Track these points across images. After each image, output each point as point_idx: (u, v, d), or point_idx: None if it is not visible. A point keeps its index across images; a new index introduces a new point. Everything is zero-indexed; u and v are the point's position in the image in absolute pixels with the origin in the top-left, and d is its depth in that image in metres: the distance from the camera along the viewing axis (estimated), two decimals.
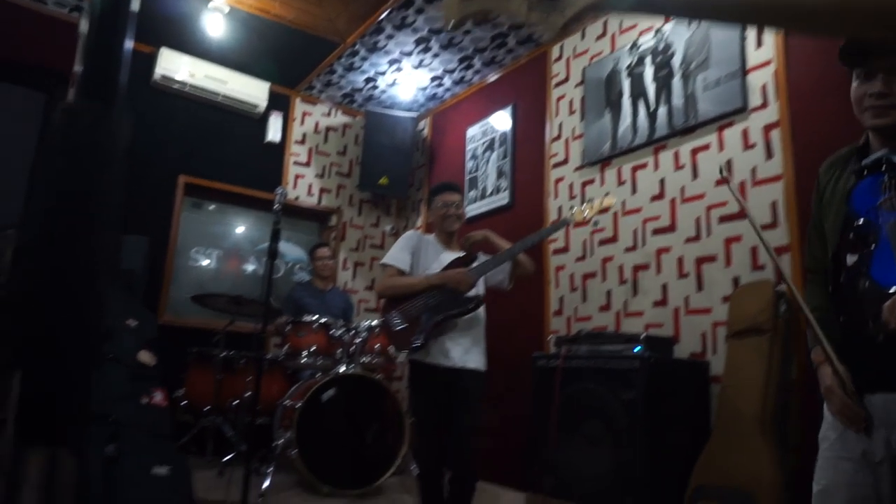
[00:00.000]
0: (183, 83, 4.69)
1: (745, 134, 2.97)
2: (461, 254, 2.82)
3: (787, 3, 0.71)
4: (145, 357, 3.23)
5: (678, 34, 3.38)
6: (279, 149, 5.24)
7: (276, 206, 2.90)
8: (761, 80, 2.95)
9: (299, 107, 5.41)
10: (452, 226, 2.85)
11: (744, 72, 3.02)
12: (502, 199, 4.43)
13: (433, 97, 5.25)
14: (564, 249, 3.83)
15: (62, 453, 0.52)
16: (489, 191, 4.57)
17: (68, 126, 0.57)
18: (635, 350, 2.67)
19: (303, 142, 5.40)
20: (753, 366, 2.44)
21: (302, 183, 5.34)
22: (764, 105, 2.92)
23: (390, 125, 5.22)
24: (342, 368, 3.58)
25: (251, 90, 4.96)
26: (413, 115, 5.32)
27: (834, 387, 1.31)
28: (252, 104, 4.97)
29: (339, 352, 3.75)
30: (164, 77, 4.63)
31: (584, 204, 2.84)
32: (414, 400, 2.80)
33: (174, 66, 4.66)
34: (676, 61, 3.36)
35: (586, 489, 2.66)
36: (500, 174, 4.51)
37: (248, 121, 5.08)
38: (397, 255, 2.79)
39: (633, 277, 3.37)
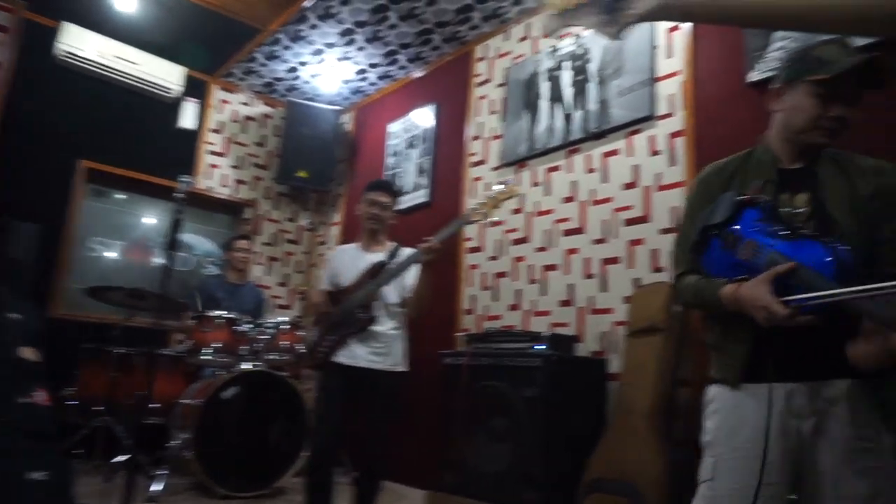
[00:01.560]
0: (89, 61, 4.40)
1: (651, 141, 3.06)
2: (382, 256, 2.76)
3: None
4: (28, 353, 2.99)
5: (595, 41, 3.45)
6: (193, 137, 5.01)
7: (177, 195, 2.73)
8: (669, 89, 3.05)
9: (217, 94, 5.20)
10: (371, 225, 2.79)
11: (653, 81, 3.11)
12: (422, 196, 4.39)
13: (357, 91, 5.17)
14: (478, 249, 3.84)
15: None
16: (409, 188, 4.53)
17: None
18: (538, 348, 2.69)
19: (219, 130, 5.19)
20: (648, 363, 2.50)
21: (216, 173, 5.13)
22: (670, 114, 3.01)
23: (312, 117, 5.09)
24: (246, 366, 3.44)
25: (165, 74, 4.72)
26: (336, 108, 5.21)
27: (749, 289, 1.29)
28: (165, 88, 4.73)
29: (245, 349, 3.60)
30: (68, 53, 4.34)
31: (481, 199, 2.60)
32: (318, 397, 2.72)
33: (80, 42, 4.37)
34: (593, 67, 3.43)
35: (487, 485, 2.66)
36: (420, 171, 4.48)
37: (160, 106, 4.83)
38: (323, 275, 2.89)
39: (543, 277, 3.41)
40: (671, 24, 3.11)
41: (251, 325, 3.66)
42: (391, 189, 2.87)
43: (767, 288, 1.23)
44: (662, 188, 2.96)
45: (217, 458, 3.17)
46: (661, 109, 3.05)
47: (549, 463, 2.51)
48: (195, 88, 4.98)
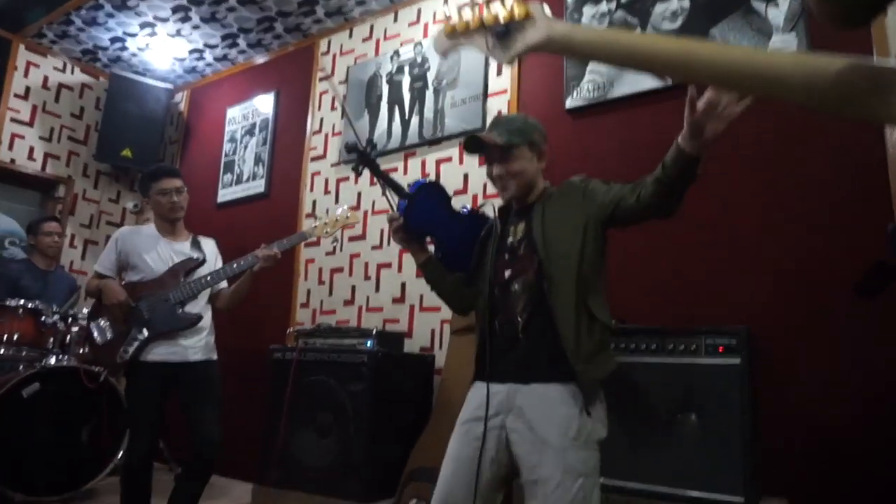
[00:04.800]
0: None
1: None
2: (187, 244, 2.69)
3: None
4: None
5: (433, 51, 3.61)
6: None
7: None
8: (498, 105, 3.30)
9: (23, 55, 4.63)
10: (176, 215, 2.68)
11: (485, 96, 3.35)
12: (258, 186, 4.30)
13: (192, 70, 4.90)
14: (315, 243, 3.87)
15: None
16: (245, 177, 4.41)
17: None
18: (367, 344, 2.81)
19: (25, 97, 4.63)
20: (466, 360, 2.73)
21: (21, 144, 4.58)
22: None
23: (140, 93, 4.73)
24: (52, 360, 3.17)
25: None
26: (168, 86, 4.89)
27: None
28: None
29: (52, 341, 3.31)
30: None
31: (326, 217, 2.72)
32: (128, 394, 2.61)
33: None
34: (430, 76, 3.60)
35: (313, 478, 2.73)
36: (257, 160, 4.38)
37: None
38: (103, 258, 2.66)
39: (377, 274, 3.54)
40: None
41: (57, 316, 3.36)
42: (178, 172, 2.76)
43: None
44: (488, 196, 3.21)
45: (12, 461, 2.90)
46: None
47: (373, 455, 2.64)
48: None
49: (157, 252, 2.62)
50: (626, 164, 2.83)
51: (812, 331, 2.26)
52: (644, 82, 2.81)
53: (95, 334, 2.56)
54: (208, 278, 2.58)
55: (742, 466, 1.87)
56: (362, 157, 1.78)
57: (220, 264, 2.75)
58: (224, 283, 2.76)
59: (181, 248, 2.68)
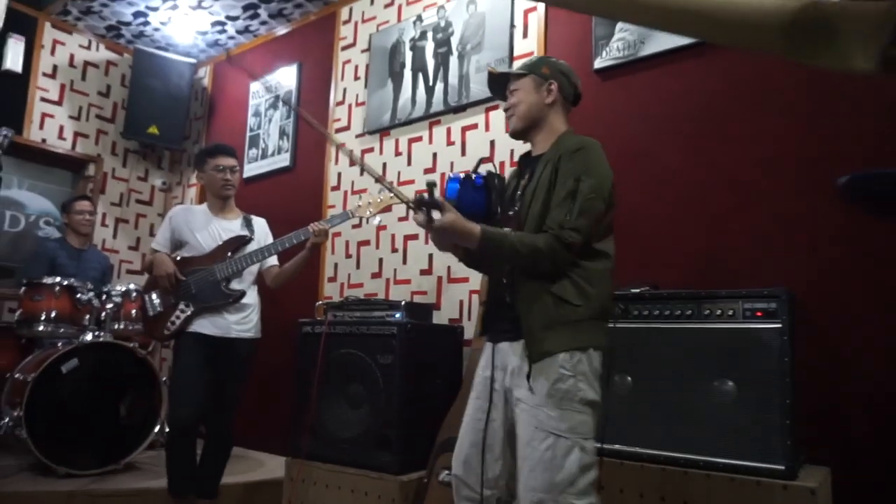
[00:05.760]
0: None
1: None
2: (237, 222, 2.76)
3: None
4: None
5: (458, 14, 3.51)
6: (22, 81, 4.46)
7: None
8: None
9: (49, 33, 4.65)
10: (228, 192, 2.76)
11: (511, 59, 3.25)
12: (284, 160, 4.29)
13: (215, 44, 4.86)
14: None
15: None
16: (270, 151, 4.40)
17: None
18: (396, 316, 2.79)
19: (53, 75, 4.66)
20: None
21: (51, 124, 4.63)
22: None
23: (164, 68, 4.73)
24: (89, 336, 3.23)
25: None
26: (192, 60, 4.88)
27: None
28: None
29: (88, 318, 3.37)
30: None
31: (370, 198, 2.76)
32: (175, 364, 2.69)
33: None
34: (455, 41, 3.50)
35: (344, 450, 2.75)
36: (282, 134, 4.35)
37: None
38: (158, 235, 2.78)
39: (404, 246, 3.51)
40: (531, 3, 3.25)
41: (94, 293, 3.42)
42: (234, 152, 2.82)
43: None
44: (514, 165, 3.13)
45: (56, 435, 2.97)
46: None
47: (404, 427, 2.64)
48: (20, 23, 4.40)
49: (208, 230, 2.71)
50: (655, 124, 2.73)
51: (856, 296, 2.15)
52: (673, 40, 2.69)
53: (147, 307, 2.67)
54: (254, 256, 2.64)
55: (782, 433, 1.80)
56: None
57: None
58: (273, 261, 2.82)
59: (231, 226, 2.75)
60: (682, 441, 1.97)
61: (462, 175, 1.75)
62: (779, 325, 1.86)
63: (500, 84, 1.80)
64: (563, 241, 1.50)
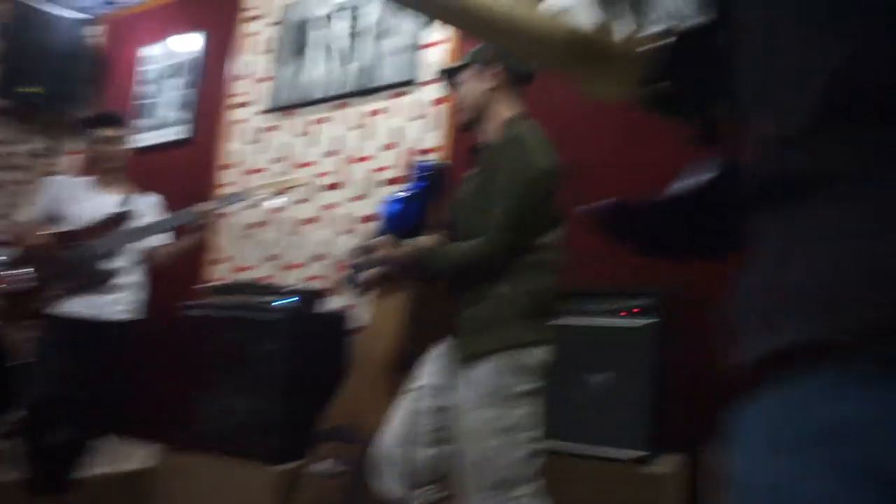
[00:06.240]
0: None
1: (415, 104, 3.16)
2: (120, 198, 2.58)
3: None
4: None
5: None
6: None
7: None
8: (434, 57, 3.16)
9: None
10: (111, 164, 2.60)
11: (420, 46, 3.20)
12: (181, 132, 4.04)
13: (110, 2, 4.51)
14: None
15: None
16: (167, 121, 4.13)
17: None
18: (283, 302, 2.69)
19: None
20: (390, 318, 2.65)
21: None
22: (433, 81, 3.13)
23: (48, 24, 4.34)
24: None
25: None
26: (82, 17, 4.50)
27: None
28: None
29: None
30: None
31: (266, 181, 2.73)
32: (39, 349, 2.49)
33: None
34: (367, 23, 3.41)
35: (224, 438, 2.63)
36: (182, 104, 4.10)
37: None
38: (30, 206, 2.63)
39: (300, 230, 3.39)
40: None
41: None
42: (121, 121, 2.62)
43: None
44: (422, 151, 3.09)
45: None
46: (426, 76, 3.15)
47: (288, 415, 2.56)
48: None
49: (84, 198, 2.52)
50: (583, 112, 2.71)
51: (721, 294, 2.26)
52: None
53: (12, 282, 2.44)
54: (133, 234, 2.48)
55: (644, 424, 1.90)
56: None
57: None
58: (160, 240, 2.64)
59: (114, 201, 2.57)
60: (561, 433, 2.02)
61: (393, 197, 1.85)
62: (650, 322, 1.96)
63: (445, 77, 1.79)
64: (493, 246, 1.51)
